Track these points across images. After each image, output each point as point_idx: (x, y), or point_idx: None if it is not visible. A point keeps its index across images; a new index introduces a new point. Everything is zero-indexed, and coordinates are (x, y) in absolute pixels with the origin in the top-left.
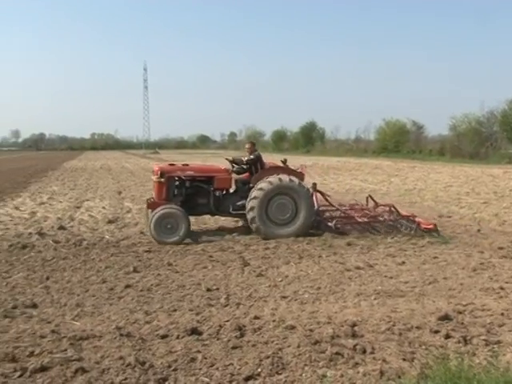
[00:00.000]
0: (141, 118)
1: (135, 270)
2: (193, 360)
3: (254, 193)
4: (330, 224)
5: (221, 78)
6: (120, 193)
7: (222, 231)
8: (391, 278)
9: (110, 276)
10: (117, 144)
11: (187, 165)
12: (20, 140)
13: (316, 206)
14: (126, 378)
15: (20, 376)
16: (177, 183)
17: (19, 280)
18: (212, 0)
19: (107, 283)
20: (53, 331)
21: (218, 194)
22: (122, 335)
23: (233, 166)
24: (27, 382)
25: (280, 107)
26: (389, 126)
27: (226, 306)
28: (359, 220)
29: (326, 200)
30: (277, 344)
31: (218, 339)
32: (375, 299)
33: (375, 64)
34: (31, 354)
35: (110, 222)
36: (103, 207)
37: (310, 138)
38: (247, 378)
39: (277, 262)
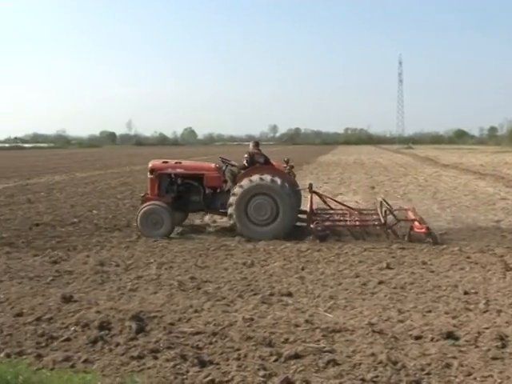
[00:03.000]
0: (394, 113)
1: (388, 267)
2: (448, 366)
3: (234, 190)
4: (311, 226)
5: (480, 68)
6: (373, 188)
7: None
8: None
9: (362, 271)
10: (369, 139)
11: (180, 162)
12: (277, 135)
13: (309, 209)
14: (377, 376)
15: (275, 360)
16: (169, 180)
17: (276, 269)
18: None
19: (360, 278)
20: (307, 321)
21: (208, 191)
22: (374, 331)
23: (226, 166)
24: (281, 366)
25: None
26: None
27: (485, 311)
28: (348, 223)
29: (324, 202)
30: None
31: (476, 347)
32: None
33: None
34: (286, 340)
35: None
36: (356, 201)
37: None
38: None
39: None
